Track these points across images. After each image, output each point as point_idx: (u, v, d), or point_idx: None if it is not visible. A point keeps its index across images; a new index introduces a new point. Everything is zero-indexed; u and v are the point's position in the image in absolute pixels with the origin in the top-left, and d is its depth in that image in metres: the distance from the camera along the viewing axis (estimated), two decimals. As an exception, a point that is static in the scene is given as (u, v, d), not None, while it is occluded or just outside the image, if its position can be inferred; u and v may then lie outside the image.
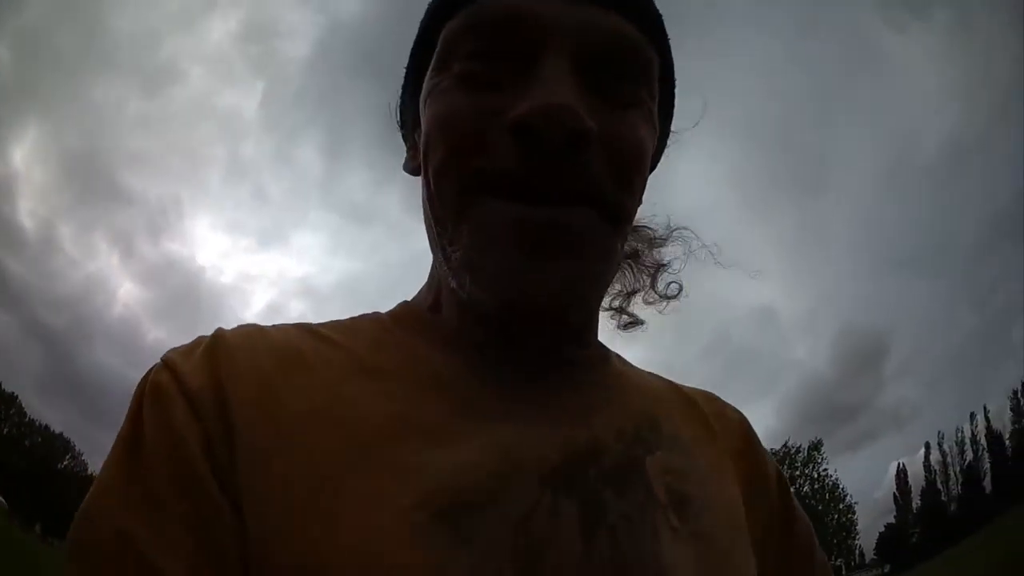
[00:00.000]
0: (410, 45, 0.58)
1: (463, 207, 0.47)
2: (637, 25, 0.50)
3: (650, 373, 0.66)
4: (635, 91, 0.50)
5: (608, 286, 0.59)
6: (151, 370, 0.48)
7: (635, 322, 0.69)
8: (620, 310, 0.69)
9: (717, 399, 0.66)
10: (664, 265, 0.68)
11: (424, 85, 0.53)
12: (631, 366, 0.64)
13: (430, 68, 0.52)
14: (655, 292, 0.68)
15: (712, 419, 0.62)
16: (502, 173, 0.46)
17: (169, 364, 0.47)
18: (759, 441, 0.65)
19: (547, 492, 0.45)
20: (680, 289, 0.68)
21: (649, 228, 0.68)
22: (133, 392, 0.48)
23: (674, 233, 0.68)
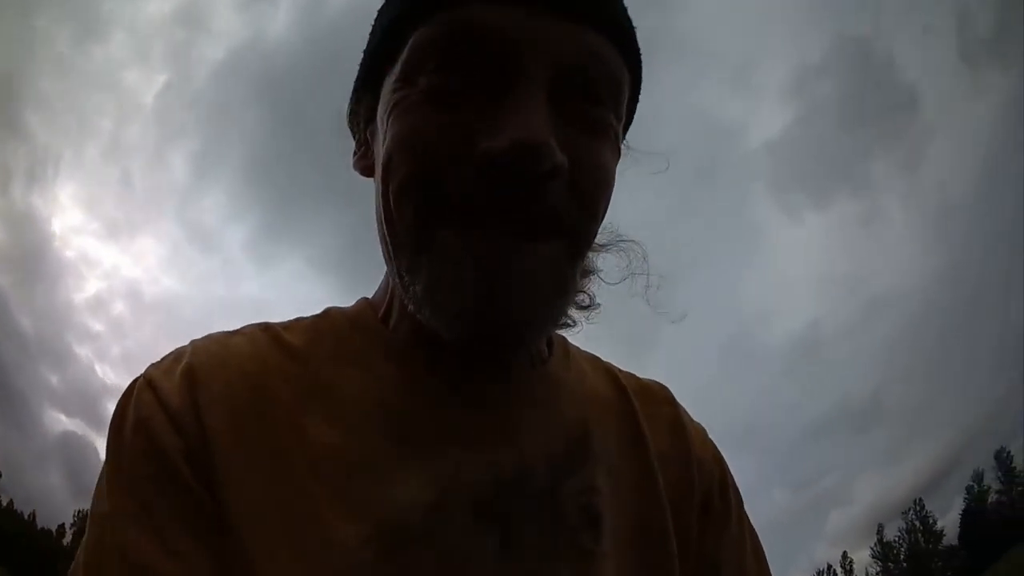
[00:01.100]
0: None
1: (423, 237, 0.47)
2: (613, 42, 0.49)
3: (594, 362, 0.66)
4: (604, 114, 0.49)
5: (565, 313, 0.59)
6: (134, 386, 0.51)
7: (565, 323, 0.66)
8: None
9: (656, 395, 0.66)
10: (591, 273, 0.65)
11: (386, 92, 0.51)
12: (575, 358, 0.64)
13: (395, 76, 0.50)
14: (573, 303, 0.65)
15: (644, 420, 0.61)
16: (465, 203, 0.45)
17: (151, 382, 0.51)
18: (692, 440, 0.63)
19: (475, 524, 0.48)
20: (591, 302, 0.66)
21: None
22: (116, 406, 0.51)
23: (619, 243, 0.65)
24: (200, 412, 0.48)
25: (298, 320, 0.59)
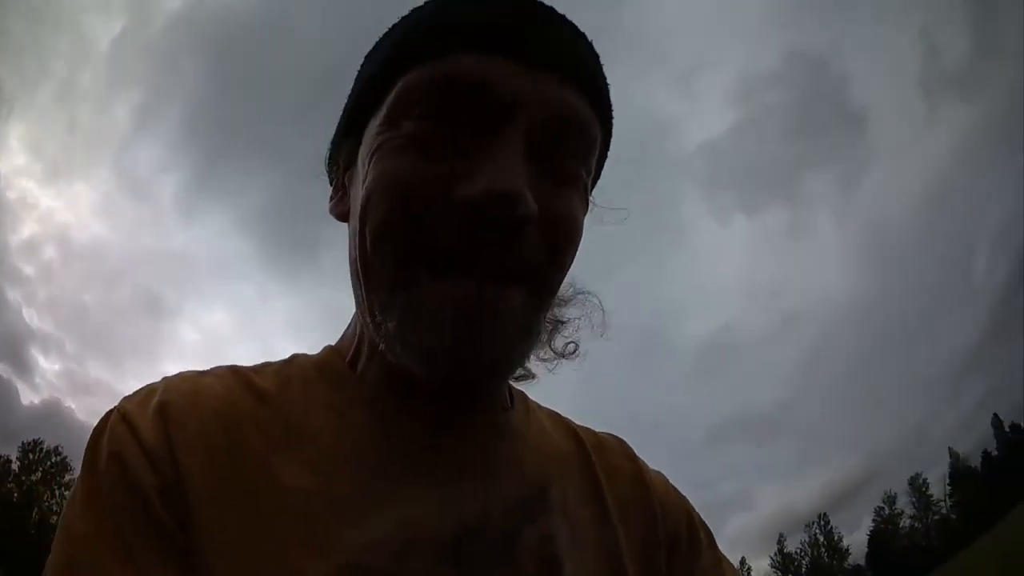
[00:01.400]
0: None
1: (400, 278, 0.48)
2: (589, 99, 0.52)
3: (553, 417, 0.68)
4: (576, 168, 0.52)
5: (529, 357, 0.61)
6: (108, 418, 0.51)
7: (526, 375, 0.69)
8: None
9: (615, 449, 0.68)
10: (562, 322, 0.68)
11: (369, 135, 0.53)
12: (535, 412, 0.66)
13: (380, 119, 0.52)
14: (551, 349, 0.69)
15: (602, 472, 0.63)
16: (443, 248, 0.47)
17: (125, 416, 0.51)
18: (654, 486, 0.65)
19: (437, 568, 0.49)
20: (576, 349, 0.69)
21: None
22: (89, 436, 0.51)
23: (577, 296, 0.68)
24: (174, 450, 0.49)
25: (265, 365, 0.59)
